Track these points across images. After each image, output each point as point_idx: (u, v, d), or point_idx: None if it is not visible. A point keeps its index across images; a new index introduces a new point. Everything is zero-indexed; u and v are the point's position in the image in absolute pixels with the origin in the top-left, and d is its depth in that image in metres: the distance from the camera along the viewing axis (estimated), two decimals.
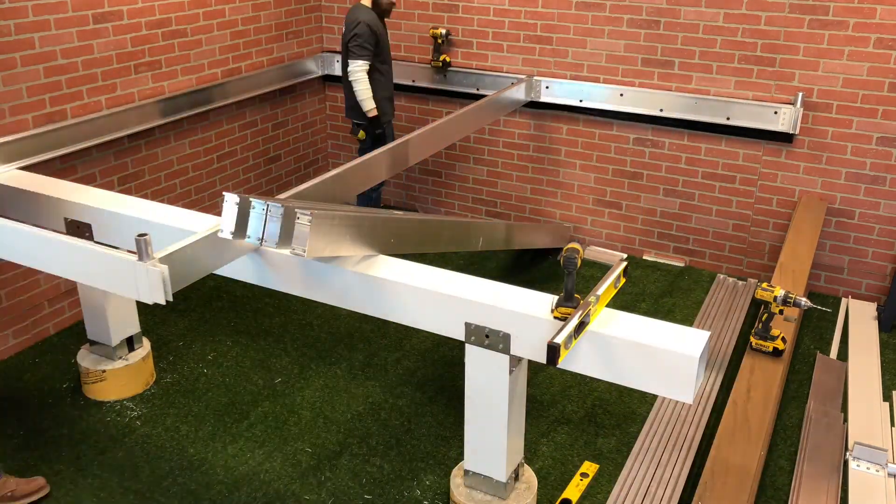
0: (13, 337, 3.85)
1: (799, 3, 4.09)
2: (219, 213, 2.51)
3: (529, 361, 2.66)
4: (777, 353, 3.08)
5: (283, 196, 2.93)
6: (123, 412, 3.47)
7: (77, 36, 3.83)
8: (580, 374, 3.67)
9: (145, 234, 2.38)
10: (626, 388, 3.61)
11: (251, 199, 2.35)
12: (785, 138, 4.32)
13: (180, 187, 4.58)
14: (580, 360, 2.35)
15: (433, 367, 3.82)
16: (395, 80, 4.91)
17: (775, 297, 3.05)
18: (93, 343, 3.55)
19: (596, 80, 4.72)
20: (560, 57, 4.77)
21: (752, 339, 3.11)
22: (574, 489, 3.05)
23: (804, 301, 3.02)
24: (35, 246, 2.67)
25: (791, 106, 4.23)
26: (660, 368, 2.24)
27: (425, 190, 5.63)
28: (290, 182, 5.46)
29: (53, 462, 3.16)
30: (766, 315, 3.07)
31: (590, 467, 3.12)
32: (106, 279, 2.56)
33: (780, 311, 3.08)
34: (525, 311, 2.39)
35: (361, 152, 4.56)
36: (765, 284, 3.11)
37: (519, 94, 4.72)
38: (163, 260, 2.39)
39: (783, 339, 3.09)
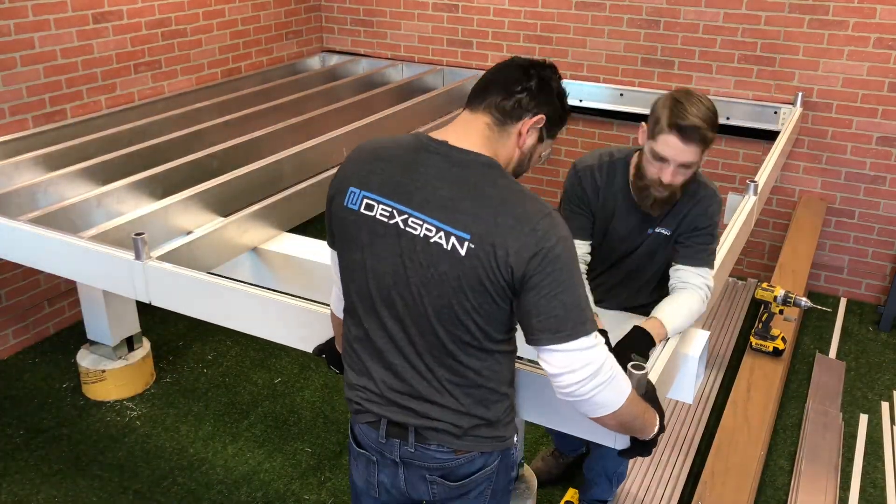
0: (13, 337, 3.85)
1: (799, 3, 4.09)
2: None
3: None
4: (777, 353, 3.08)
5: (281, 195, 2.93)
6: (123, 412, 3.47)
7: (77, 36, 3.83)
8: None
9: (142, 234, 2.38)
10: None
11: None
12: None
13: None
14: None
15: None
16: (399, 80, 4.90)
17: (775, 297, 3.05)
18: (93, 343, 3.55)
19: (596, 80, 4.72)
20: (560, 57, 4.76)
21: (752, 339, 3.11)
22: (574, 493, 3.04)
23: (804, 301, 3.02)
24: (34, 245, 2.67)
25: (791, 106, 4.23)
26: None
27: None
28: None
29: (53, 462, 3.16)
30: (766, 315, 3.07)
31: (574, 495, 3.00)
32: (104, 278, 2.56)
33: (780, 311, 3.08)
34: None
35: None
36: (765, 284, 3.11)
37: None
38: (160, 259, 2.39)
39: (783, 339, 3.09)
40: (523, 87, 1.60)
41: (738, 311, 4.27)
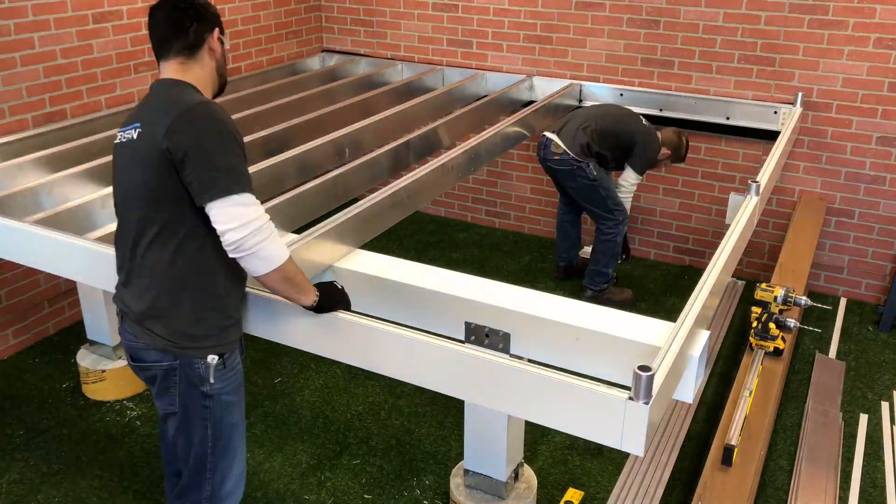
0: (13, 337, 3.85)
1: (799, 3, 4.09)
2: None
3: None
4: (777, 352, 3.08)
5: (284, 197, 2.93)
6: (123, 412, 3.47)
7: (77, 36, 3.83)
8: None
9: None
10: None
11: None
12: None
13: None
14: (579, 360, 2.35)
15: None
16: (404, 80, 4.89)
17: (775, 298, 3.05)
18: (93, 343, 3.55)
19: (596, 80, 4.72)
20: (560, 57, 4.77)
21: (751, 339, 3.11)
22: (573, 492, 3.05)
23: (804, 300, 3.03)
24: (40, 247, 2.67)
25: (791, 106, 4.23)
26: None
27: None
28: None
29: (53, 462, 3.16)
30: (765, 315, 3.07)
31: (574, 494, 3.06)
32: (110, 280, 2.55)
33: (781, 312, 3.09)
34: (525, 311, 2.39)
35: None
36: (764, 285, 3.11)
37: (519, 94, 4.72)
38: None
39: (783, 339, 3.09)
40: (191, 21, 2.02)
41: (739, 312, 4.27)
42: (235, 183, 1.89)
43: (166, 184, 1.90)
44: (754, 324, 3.11)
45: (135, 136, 1.97)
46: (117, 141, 2.06)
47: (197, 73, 2.07)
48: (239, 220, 1.87)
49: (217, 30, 2.09)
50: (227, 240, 1.89)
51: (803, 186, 4.42)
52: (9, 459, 3.17)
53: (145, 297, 2.01)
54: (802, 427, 3.33)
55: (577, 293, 4.47)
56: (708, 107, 4.44)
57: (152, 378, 2.11)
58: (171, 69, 2.07)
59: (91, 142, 3.52)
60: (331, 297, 2.17)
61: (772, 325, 3.07)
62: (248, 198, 1.91)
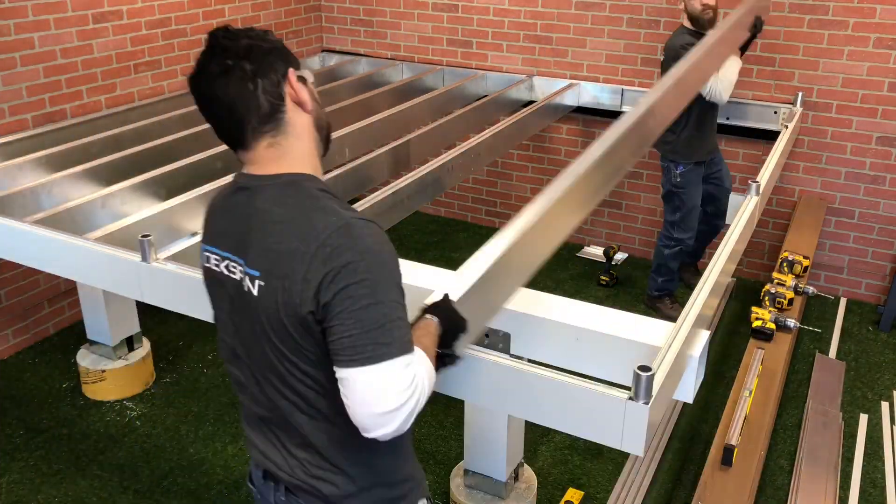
0: (13, 337, 3.85)
1: (799, 3, 4.09)
2: None
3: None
4: (790, 303, 3.31)
5: None
6: (123, 412, 3.47)
7: (77, 35, 3.83)
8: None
9: (148, 235, 2.38)
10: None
11: None
12: None
13: None
14: (579, 360, 2.35)
15: None
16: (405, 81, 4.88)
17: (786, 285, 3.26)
18: (92, 343, 3.55)
19: (596, 80, 4.72)
20: (560, 56, 4.77)
21: (757, 309, 3.25)
22: (573, 492, 3.05)
23: (811, 289, 3.39)
24: (40, 247, 2.67)
25: (791, 106, 4.23)
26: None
27: None
28: None
29: (53, 462, 3.16)
30: (767, 298, 3.30)
31: (574, 494, 3.06)
32: (110, 280, 2.56)
33: (790, 301, 3.29)
34: (525, 311, 2.39)
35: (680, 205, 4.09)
36: (776, 274, 3.29)
37: (519, 94, 4.72)
38: (167, 260, 2.39)
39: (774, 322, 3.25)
40: (252, 77, 1.34)
41: (738, 311, 4.27)
42: (389, 343, 1.29)
43: (311, 348, 1.36)
44: (764, 298, 3.28)
45: (253, 290, 1.37)
46: (211, 266, 1.48)
47: (295, 151, 1.40)
48: (386, 405, 1.29)
49: (288, 68, 1.39)
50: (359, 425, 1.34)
51: (803, 186, 4.42)
52: (9, 459, 3.17)
53: (307, 467, 1.54)
54: (802, 427, 3.33)
55: (578, 294, 4.47)
56: None
57: None
58: (259, 158, 1.40)
59: (91, 142, 3.53)
60: (453, 327, 1.70)
61: (784, 291, 3.29)
62: (406, 359, 1.32)
